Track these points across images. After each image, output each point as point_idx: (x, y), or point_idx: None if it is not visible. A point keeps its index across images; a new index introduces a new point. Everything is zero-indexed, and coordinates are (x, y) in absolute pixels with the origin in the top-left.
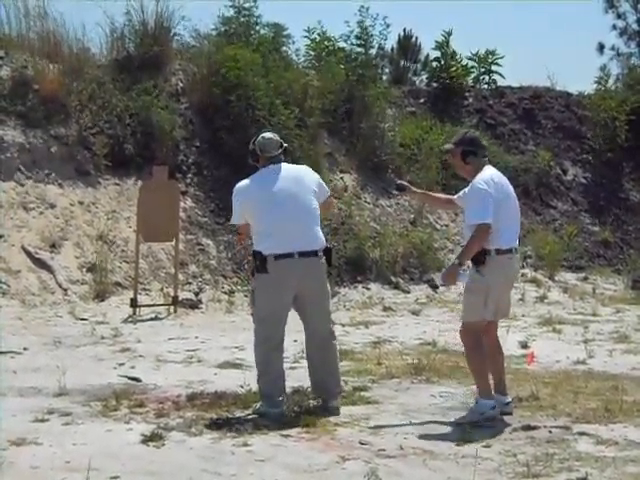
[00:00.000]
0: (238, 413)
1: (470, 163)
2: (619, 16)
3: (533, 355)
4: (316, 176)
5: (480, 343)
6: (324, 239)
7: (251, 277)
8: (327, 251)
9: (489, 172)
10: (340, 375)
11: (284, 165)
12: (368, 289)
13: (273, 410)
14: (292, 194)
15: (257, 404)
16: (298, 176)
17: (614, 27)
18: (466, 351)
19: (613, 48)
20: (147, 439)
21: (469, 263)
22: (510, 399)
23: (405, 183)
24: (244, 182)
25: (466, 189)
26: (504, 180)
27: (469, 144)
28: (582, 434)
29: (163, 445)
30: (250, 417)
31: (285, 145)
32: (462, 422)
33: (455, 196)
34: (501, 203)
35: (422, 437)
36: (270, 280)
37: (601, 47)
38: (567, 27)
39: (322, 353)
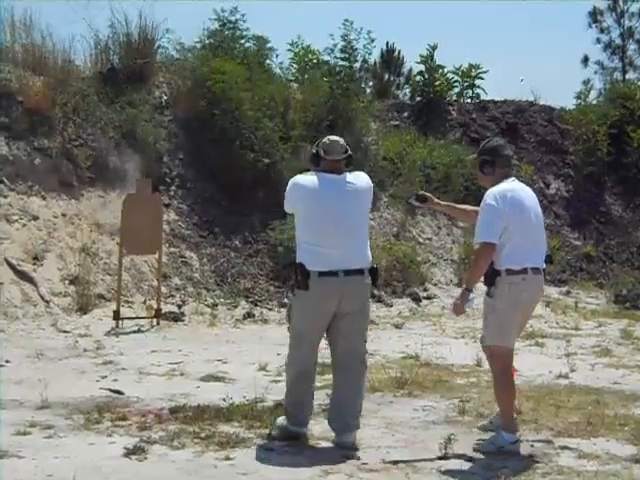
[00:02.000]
0: (221, 426)
1: (488, 174)
2: (602, 30)
3: (514, 369)
4: (371, 187)
5: (508, 370)
6: (371, 258)
7: (290, 291)
8: (373, 271)
9: (505, 185)
10: (361, 408)
11: (348, 176)
12: None
13: (293, 428)
14: (349, 210)
15: (280, 418)
16: (358, 190)
17: (598, 41)
18: (493, 377)
19: (597, 62)
20: (129, 452)
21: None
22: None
23: (427, 194)
24: (307, 177)
25: None
26: (524, 193)
27: (488, 153)
28: (564, 448)
29: (145, 458)
30: (233, 431)
31: (350, 152)
32: (478, 450)
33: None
34: (513, 219)
35: (405, 451)
36: (310, 298)
37: (585, 59)
38: (551, 42)
39: (348, 377)
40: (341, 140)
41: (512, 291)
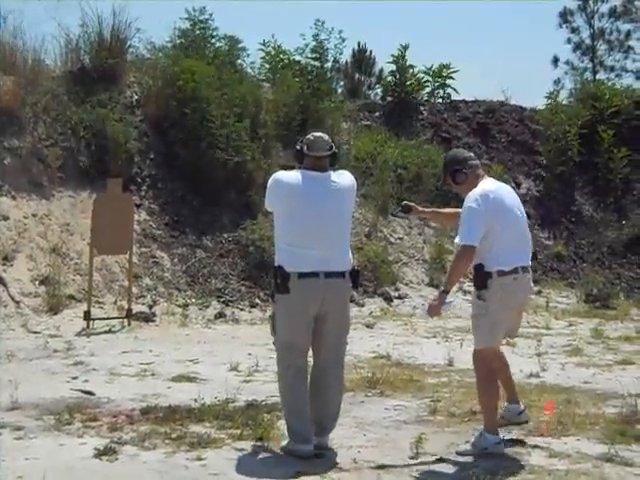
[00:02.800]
0: (192, 427)
1: (461, 182)
2: (573, 31)
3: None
4: (355, 186)
5: (492, 374)
6: (352, 260)
7: (271, 301)
8: (354, 273)
9: (484, 186)
10: (339, 412)
11: (332, 174)
12: None
13: (303, 447)
14: (332, 210)
15: (285, 442)
16: (341, 189)
17: (568, 41)
18: (477, 380)
19: (567, 62)
20: (100, 453)
21: (466, 288)
22: (523, 407)
23: (411, 204)
24: (289, 174)
25: None
26: (504, 192)
27: (454, 163)
28: (535, 447)
29: (116, 459)
30: (204, 431)
31: (335, 150)
32: (463, 454)
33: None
34: (498, 219)
35: (376, 451)
36: (292, 301)
37: (555, 60)
38: (522, 42)
39: (327, 381)
40: (326, 136)
41: (505, 292)
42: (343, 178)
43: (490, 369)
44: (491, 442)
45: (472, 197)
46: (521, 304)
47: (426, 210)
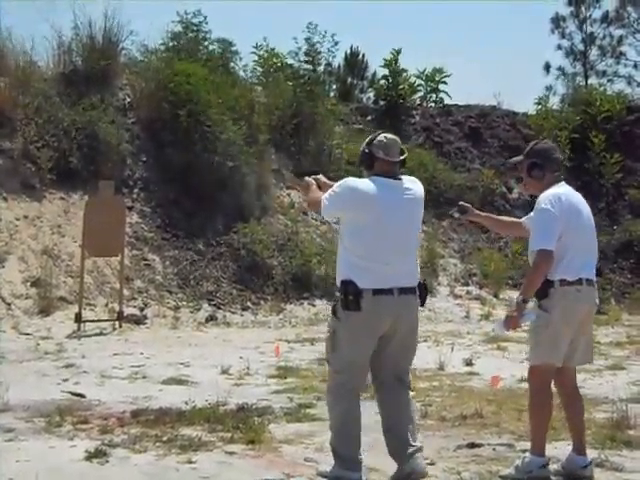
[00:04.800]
0: (183, 430)
1: (536, 178)
2: (564, 36)
3: (499, 378)
4: (423, 195)
5: (545, 391)
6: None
7: (332, 316)
8: (422, 287)
9: (557, 189)
10: (417, 430)
11: (405, 180)
12: (314, 305)
13: (352, 475)
14: (406, 221)
15: (328, 468)
16: (415, 198)
17: (559, 47)
18: (530, 398)
19: (559, 68)
20: (91, 456)
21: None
22: (590, 460)
23: (467, 205)
24: (366, 182)
25: (533, 211)
26: (576, 198)
27: (537, 156)
28: (526, 451)
29: (107, 462)
30: (195, 434)
31: (406, 154)
32: (506, 478)
33: (523, 219)
34: (569, 226)
35: (367, 455)
36: (362, 320)
37: (547, 66)
38: (515, 47)
39: (397, 404)
40: (397, 138)
41: (567, 304)
42: (416, 186)
43: (545, 383)
44: (536, 465)
45: (545, 199)
46: (583, 320)
47: (481, 214)
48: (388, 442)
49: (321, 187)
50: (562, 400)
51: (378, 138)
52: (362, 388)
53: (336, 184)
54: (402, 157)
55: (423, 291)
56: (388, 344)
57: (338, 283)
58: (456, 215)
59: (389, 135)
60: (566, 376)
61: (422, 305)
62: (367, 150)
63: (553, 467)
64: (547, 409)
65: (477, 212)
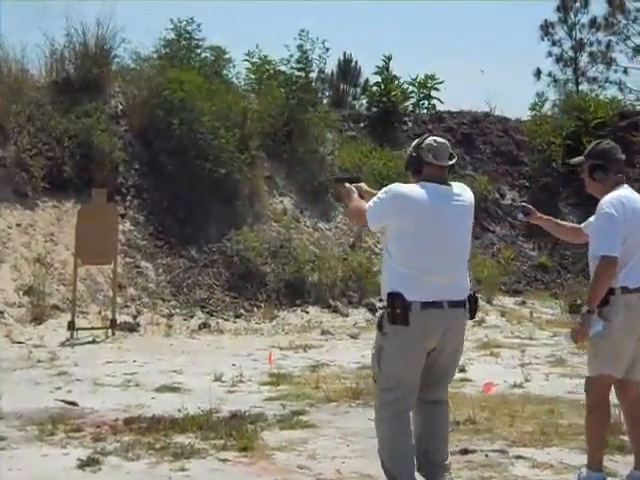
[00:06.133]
0: (176, 437)
1: (598, 180)
2: (554, 43)
3: (492, 385)
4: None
5: (603, 404)
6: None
7: (378, 331)
8: (472, 300)
9: (620, 192)
10: (448, 446)
11: (455, 187)
12: (307, 313)
13: None
14: (457, 229)
15: None
16: (466, 205)
17: (549, 54)
18: (587, 410)
19: (550, 74)
20: (84, 464)
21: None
22: None
23: (531, 207)
24: (414, 188)
25: (592, 217)
26: (638, 201)
27: (599, 157)
28: (518, 457)
29: (100, 470)
30: (188, 442)
31: (455, 159)
32: None
33: (582, 224)
34: (633, 230)
35: (360, 461)
36: (410, 335)
37: (538, 73)
38: (506, 54)
39: (436, 422)
40: (447, 142)
41: (628, 313)
42: (466, 192)
43: (603, 396)
44: None
45: (607, 202)
46: None
47: (544, 217)
48: (421, 461)
49: (363, 196)
50: (624, 414)
51: (427, 141)
52: (412, 407)
53: (381, 191)
54: (452, 162)
55: (473, 304)
56: (437, 359)
57: (384, 295)
58: (520, 217)
59: (438, 138)
60: (629, 389)
61: (471, 318)
62: (415, 154)
63: None
64: (605, 423)
65: (540, 215)
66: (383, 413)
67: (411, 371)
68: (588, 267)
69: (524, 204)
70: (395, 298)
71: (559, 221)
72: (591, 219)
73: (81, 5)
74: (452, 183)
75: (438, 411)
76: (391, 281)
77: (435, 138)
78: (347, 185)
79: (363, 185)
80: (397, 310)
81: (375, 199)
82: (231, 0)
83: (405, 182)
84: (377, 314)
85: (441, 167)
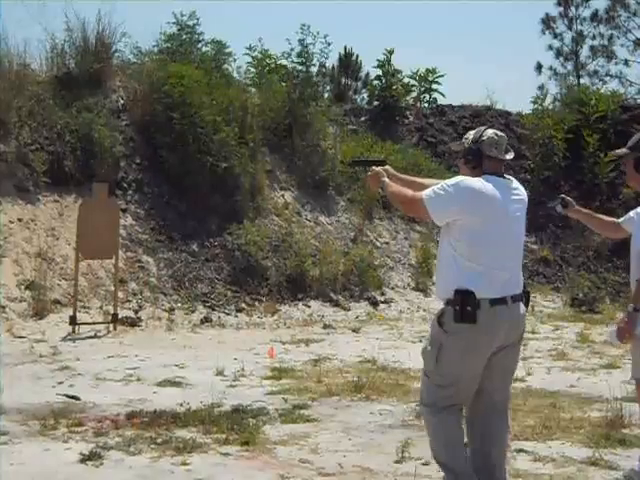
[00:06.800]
0: (177, 432)
1: None
2: (555, 36)
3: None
4: None
5: None
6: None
7: (438, 327)
8: (526, 294)
9: None
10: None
11: (513, 181)
12: (308, 307)
13: None
14: (519, 223)
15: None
16: (523, 200)
17: (550, 47)
18: None
19: (551, 68)
20: (86, 458)
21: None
22: None
23: (570, 199)
24: (481, 182)
25: (633, 211)
26: None
27: None
28: (520, 451)
29: (102, 464)
30: (189, 436)
31: (512, 153)
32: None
33: (621, 219)
34: None
35: (362, 455)
36: (477, 333)
37: (539, 67)
38: (508, 48)
39: (497, 425)
40: (505, 135)
41: None
42: (520, 186)
43: None
44: None
45: None
46: None
47: (582, 210)
48: (476, 465)
49: (391, 179)
50: None
51: (488, 135)
52: (466, 404)
53: (445, 182)
54: (511, 156)
55: (528, 298)
56: (501, 360)
57: (447, 294)
58: (558, 209)
59: (498, 132)
60: None
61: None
62: (475, 147)
63: None
64: None
65: (578, 208)
66: (437, 409)
67: (472, 370)
68: (590, 261)
69: (563, 196)
70: (465, 296)
71: (598, 215)
72: (631, 214)
73: (81, 1)
74: (509, 177)
75: (496, 416)
76: (459, 278)
77: (495, 131)
78: (375, 168)
79: (389, 168)
80: (467, 308)
81: (438, 190)
82: None
83: (406, 174)
84: (438, 311)
85: (502, 160)
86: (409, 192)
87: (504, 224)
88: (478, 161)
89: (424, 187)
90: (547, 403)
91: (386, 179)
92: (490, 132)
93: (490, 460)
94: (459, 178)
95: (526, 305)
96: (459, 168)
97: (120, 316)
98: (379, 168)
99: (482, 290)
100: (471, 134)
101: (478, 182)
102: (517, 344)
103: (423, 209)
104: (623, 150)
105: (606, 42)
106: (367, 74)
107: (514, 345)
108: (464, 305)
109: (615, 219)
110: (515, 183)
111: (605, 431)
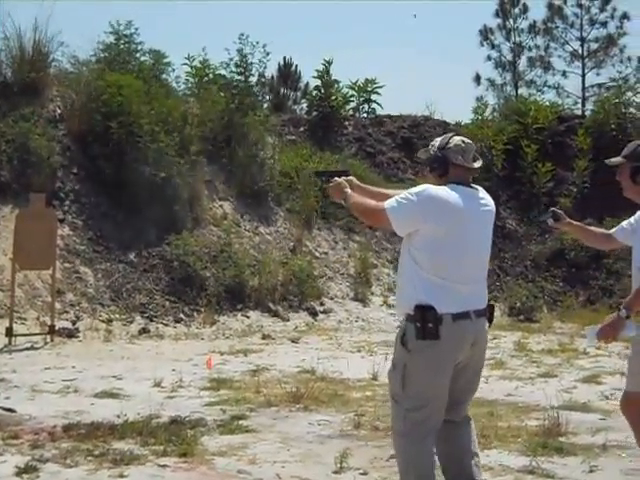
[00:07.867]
0: (115, 443)
1: None
2: (493, 47)
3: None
4: None
5: None
6: None
7: (401, 347)
8: (490, 309)
9: None
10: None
11: (480, 191)
12: (247, 317)
13: None
14: (485, 235)
15: None
16: (491, 211)
17: (489, 58)
18: (633, 426)
19: (489, 79)
20: (21, 471)
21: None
22: None
23: (561, 212)
24: (446, 190)
25: (625, 222)
26: None
27: (638, 157)
28: None
29: (38, 477)
30: (127, 448)
31: (481, 161)
32: None
33: (612, 230)
34: None
35: (300, 465)
36: (440, 349)
37: (478, 78)
38: (446, 58)
39: (465, 439)
40: (472, 142)
41: None
42: (487, 196)
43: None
44: None
45: None
46: None
47: (573, 223)
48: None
49: (354, 190)
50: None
51: (454, 142)
52: (439, 425)
53: (409, 192)
54: (479, 164)
55: (492, 312)
56: (461, 375)
57: (407, 308)
58: (550, 222)
59: (465, 139)
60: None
61: (489, 325)
62: (441, 154)
63: None
64: None
65: (569, 220)
66: (409, 434)
67: (440, 387)
68: (527, 270)
69: (554, 209)
70: (426, 311)
71: (590, 227)
72: (624, 224)
73: (16, 7)
74: (480, 189)
75: (465, 427)
76: (419, 292)
77: (462, 138)
78: (337, 179)
79: (353, 179)
80: (428, 324)
81: (401, 200)
82: (171, 1)
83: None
84: (399, 329)
85: (469, 169)
86: (372, 203)
87: (469, 235)
88: (444, 169)
89: (389, 197)
90: (485, 412)
91: (348, 190)
92: (457, 139)
93: (462, 464)
94: (423, 187)
95: (490, 321)
96: (425, 177)
97: (57, 327)
98: (342, 179)
99: (443, 305)
100: (437, 141)
101: (443, 191)
102: (481, 360)
103: (386, 219)
104: (618, 159)
105: (543, 53)
106: (306, 84)
107: (477, 362)
108: (425, 321)
109: (605, 230)
110: (482, 192)
111: (542, 439)
